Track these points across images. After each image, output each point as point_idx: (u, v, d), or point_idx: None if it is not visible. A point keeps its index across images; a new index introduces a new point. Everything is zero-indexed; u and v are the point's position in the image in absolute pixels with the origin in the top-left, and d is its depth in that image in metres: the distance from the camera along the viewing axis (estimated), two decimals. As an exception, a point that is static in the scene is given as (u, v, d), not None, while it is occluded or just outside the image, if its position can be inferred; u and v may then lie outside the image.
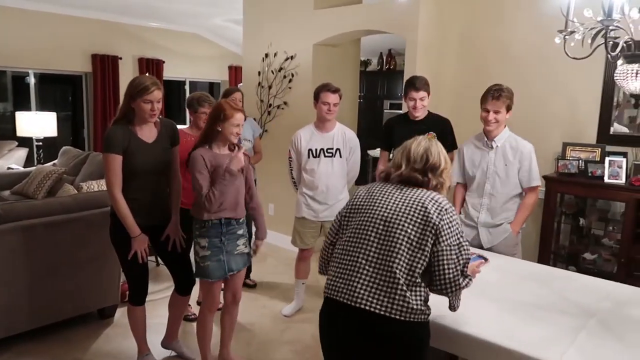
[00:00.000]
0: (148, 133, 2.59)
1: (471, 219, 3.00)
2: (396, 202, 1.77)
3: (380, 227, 1.74)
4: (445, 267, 1.70)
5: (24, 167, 6.24)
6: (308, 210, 3.51)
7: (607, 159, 3.30)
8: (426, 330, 1.75)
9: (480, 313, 2.02)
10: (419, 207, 1.73)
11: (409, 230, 1.70)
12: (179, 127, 3.31)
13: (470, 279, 1.81)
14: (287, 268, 4.33)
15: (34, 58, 6.55)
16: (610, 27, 1.87)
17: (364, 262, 1.73)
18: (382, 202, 1.80)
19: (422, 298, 1.71)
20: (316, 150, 3.42)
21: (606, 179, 3.27)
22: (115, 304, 3.48)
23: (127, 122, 2.53)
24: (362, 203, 1.85)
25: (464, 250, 1.77)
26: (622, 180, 3.23)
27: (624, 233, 3.22)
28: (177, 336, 3.04)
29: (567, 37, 2.02)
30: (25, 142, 6.69)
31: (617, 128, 3.55)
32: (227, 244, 2.62)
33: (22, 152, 6.81)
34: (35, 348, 3.05)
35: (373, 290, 1.69)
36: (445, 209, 1.74)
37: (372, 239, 1.75)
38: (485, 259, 2.10)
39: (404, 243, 1.70)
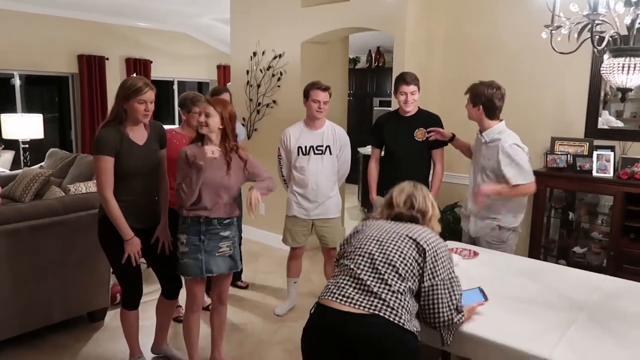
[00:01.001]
0: (139, 135, 2.57)
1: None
2: (390, 228, 1.83)
3: (374, 245, 1.78)
4: (438, 303, 1.73)
5: (11, 170, 6.16)
6: (299, 209, 3.50)
7: (595, 153, 3.32)
8: (416, 344, 1.71)
9: (472, 309, 2.02)
10: (410, 237, 1.77)
11: (402, 248, 1.74)
12: (169, 127, 3.30)
13: (463, 316, 1.81)
14: (279, 267, 4.31)
15: (18, 59, 6.47)
16: (596, 22, 1.88)
17: (358, 273, 1.73)
18: (377, 226, 1.86)
19: (411, 309, 1.71)
20: (306, 147, 3.41)
21: (594, 173, 3.29)
22: (105, 307, 3.44)
23: (118, 124, 2.50)
24: (359, 228, 1.92)
25: (456, 284, 1.80)
26: (610, 174, 3.25)
27: (613, 226, 3.24)
28: (166, 340, 3.02)
29: (553, 31, 2.03)
30: (11, 144, 6.60)
31: (606, 121, 3.57)
32: (206, 243, 2.57)
33: (9, 155, 6.72)
34: (25, 353, 3.01)
35: (364, 294, 1.69)
36: (435, 244, 1.77)
37: (366, 255, 1.77)
38: (486, 298, 2.05)
39: (397, 259, 1.72)
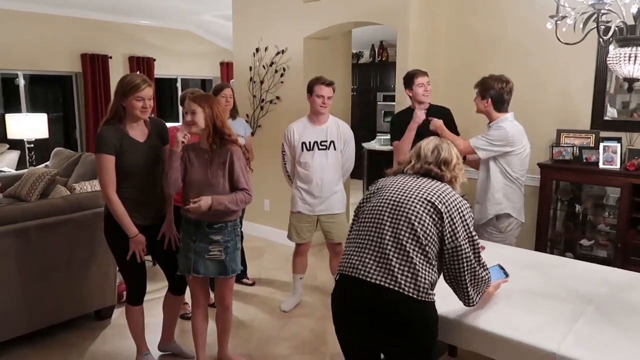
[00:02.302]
0: (139, 132, 2.57)
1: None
2: (407, 187, 1.81)
3: (391, 208, 1.77)
4: (462, 263, 1.72)
5: (16, 169, 6.19)
6: (304, 205, 3.49)
7: (601, 145, 3.29)
8: (433, 312, 1.74)
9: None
10: (428, 197, 1.75)
11: (420, 212, 1.72)
12: (173, 124, 3.30)
13: (488, 273, 1.83)
14: (284, 264, 4.31)
15: (22, 59, 6.48)
16: (602, 11, 1.85)
17: (376, 241, 1.75)
18: (394, 187, 1.85)
19: (430, 279, 1.71)
20: (310, 143, 3.40)
21: (601, 165, 3.26)
22: (112, 305, 3.46)
23: (118, 121, 2.51)
24: (374, 190, 1.91)
25: (477, 242, 1.79)
26: (617, 166, 3.23)
27: (620, 218, 3.22)
28: (173, 337, 3.03)
29: (558, 22, 2.00)
30: (16, 144, 6.63)
31: (610, 113, 3.54)
32: (197, 244, 2.57)
33: (14, 155, 6.75)
34: (33, 351, 3.02)
35: (385, 267, 1.70)
36: (452, 204, 1.75)
37: (384, 219, 1.76)
38: (507, 274, 2.13)
39: (415, 224, 1.71)
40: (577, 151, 3.42)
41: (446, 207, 1.73)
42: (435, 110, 3.37)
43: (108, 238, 2.62)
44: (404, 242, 1.70)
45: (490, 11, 3.96)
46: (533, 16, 3.63)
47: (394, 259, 1.70)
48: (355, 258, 1.77)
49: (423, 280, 1.68)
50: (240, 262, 2.76)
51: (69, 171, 5.17)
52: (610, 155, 3.25)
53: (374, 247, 1.75)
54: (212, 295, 3.30)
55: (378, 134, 7.86)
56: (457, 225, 1.73)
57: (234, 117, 3.83)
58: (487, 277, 1.82)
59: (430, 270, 1.71)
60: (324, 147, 3.41)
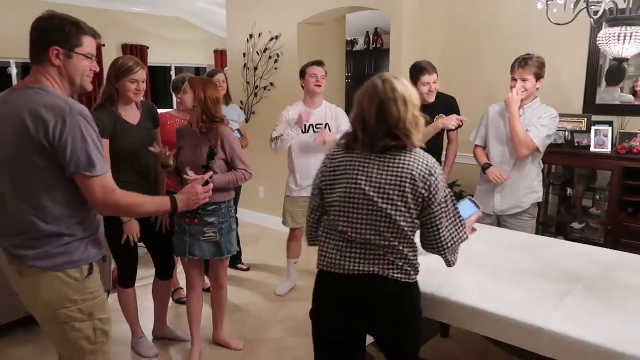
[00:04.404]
0: (132, 115, 2.58)
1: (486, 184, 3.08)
2: (378, 175, 1.64)
3: (366, 202, 1.64)
4: (441, 228, 1.66)
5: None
6: (298, 189, 3.50)
7: (593, 129, 3.32)
8: (417, 291, 1.75)
9: (469, 281, 2.04)
10: (402, 179, 1.62)
11: (396, 202, 1.62)
12: (166, 110, 3.30)
13: (466, 230, 1.76)
14: (279, 249, 4.34)
15: (14, 47, 6.39)
16: (592, -9, 1.86)
17: (355, 237, 1.67)
18: (363, 174, 1.66)
19: (415, 262, 1.70)
20: (306, 126, 3.40)
21: (592, 149, 3.29)
22: (107, 290, 3.46)
23: (110, 105, 2.51)
24: (334, 175, 1.72)
25: (453, 201, 1.69)
26: (608, 149, 3.25)
27: (610, 201, 3.25)
28: (166, 323, 3.05)
29: (549, 2, 2.01)
30: (10, 133, 6.58)
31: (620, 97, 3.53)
32: (192, 226, 2.59)
33: (8, 143, 6.71)
34: (26, 337, 3.04)
35: (367, 257, 1.66)
36: (430, 172, 1.62)
37: (361, 217, 1.65)
38: (478, 207, 2.09)
39: (396, 217, 1.62)
40: (569, 135, 3.44)
41: (425, 185, 1.61)
42: (441, 101, 3.33)
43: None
44: (386, 234, 1.64)
45: (483, -4, 3.96)
46: (526, 1, 3.63)
47: (377, 250, 1.65)
48: (337, 254, 1.70)
49: (409, 263, 1.68)
50: (236, 243, 2.78)
51: (63, 159, 5.16)
52: (601, 139, 3.28)
53: (353, 243, 1.68)
54: (206, 280, 3.33)
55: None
56: (433, 191, 1.62)
57: (227, 103, 3.83)
58: (465, 237, 1.75)
59: (414, 252, 1.69)
60: (320, 130, 3.41)
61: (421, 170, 1.62)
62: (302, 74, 3.37)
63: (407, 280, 1.68)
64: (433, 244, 1.70)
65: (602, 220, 3.45)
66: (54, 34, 1.62)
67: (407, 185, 1.62)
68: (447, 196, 1.68)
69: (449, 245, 1.70)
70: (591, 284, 2.03)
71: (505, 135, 2.95)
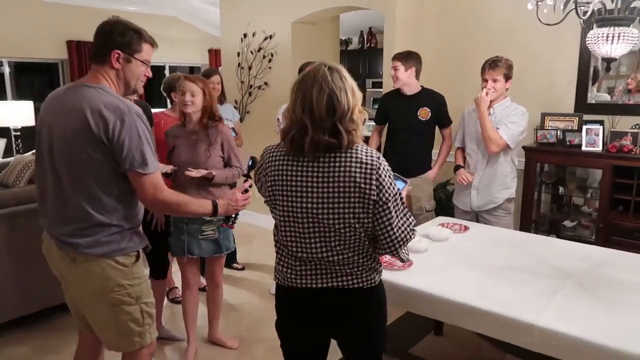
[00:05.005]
0: None
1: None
2: (321, 187, 1.49)
3: (311, 219, 1.52)
4: (394, 224, 1.51)
5: (3, 157, 6.14)
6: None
7: (584, 127, 3.35)
8: (381, 291, 1.67)
9: (461, 279, 2.06)
10: (348, 184, 1.47)
11: (344, 215, 1.49)
12: (160, 110, 3.31)
13: (414, 221, 1.63)
14: (274, 249, 4.35)
15: (7, 46, 6.38)
16: (581, -8, 1.89)
17: (306, 254, 1.57)
18: (305, 188, 1.51)
19: (373, 265, 1.60)
20: None
21: (584, 147, 3.32)
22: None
23: None
24: (281, 185, 1.56)
25: (400, 198, 1.56)
26: (599, 148, 3.29)
27: (601, 199, 3.29)
28: (161, 323, 3.06)
29: (539, 2, 2.04)
30: (3, 132, 6.56)
31: (596, 97, 3.59)
32: (189, 225, 2.62)
33: (1, 143, 6.68)
34: (25, 335, 3.04)
35: (323, 272, 1.57)
36: (373, 169, 1.47)
37: (307, 231, 1.54)
38: (406, 182, 1.95)
39: (342, 229, 1.50)
40: (561, 134, 3.48)
41: (372, 187, 1.47)
42: (427, 96, 3.38)
43: None
44: (338, 249, 1.53)
45: (476, -4, 3.99)
46: (518, 0, 3.66)
47: (332, 265, 1.55)
48: (291, 272, 1.61)
49: (369, 268, 1.58)
50: (233, 240, 2.81)
51: (57, 159, 5.15)
52: (592, 138, 3.31)
53: (306, 261, 1.58)
54: (202, 279, 3.34)
55: (367, 121, 7.87)
56: (387, 193, 1.48)
57: (222, 103, 3.84)
58: (413, 228, 1.60)
59: (373, 257, 1.60)
60: None
61: (366, 172, 1.46)
62: (301, 72, 3.40)
63: (369, 286, 1.59)
64: (384, 246, 1.54)
65: (593, 218, 3.49)
66: (117, 38, 1.74)
67: (352, 193, 1.47)
68: (395, 190, 1.52)
69: (402, 243, 1.55)
70: (581, 280, 2.06)
71: (476, 133, 3.07)
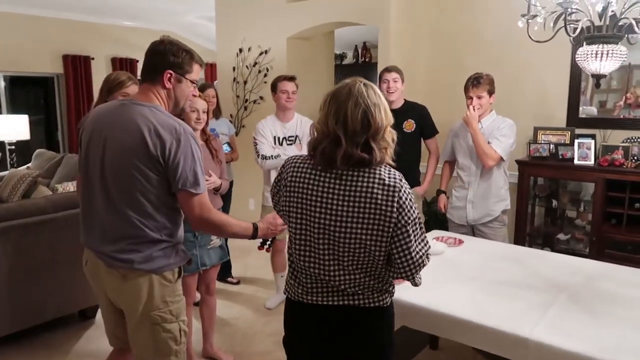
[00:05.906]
0: None
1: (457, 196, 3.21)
2: (339, 203, 1.47)
3: (326, 236, 1.50)
4: (412, 249, 1.49)
5: (-3, 172, 6.11)
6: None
7: (576, 141, 3.39)
8: (392, 313, 1.67)
9: (456, 293, 2.07)
10: (368, 205, 1.45)
11: (359, 235, 1.47)
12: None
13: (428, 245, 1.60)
14: (269, 262, 4.33)
15: (2, 60, 6.40)
16: (570, 10, 1.93)
17: (318, 272, 1.55)
18: (322, 201, 1.49)
19: (384, 287, 1.59)
20: (279, 138, 3.46)
21: (576, 161, 3.36)
22: (96, 305, 3.44)
23: None
24: (292, 196, 1.56)
25: (420, 223, 1.55)
26: (591, 161, 3.32)
27: (594, 212, 3.32)
28: None
29: (529, 20, 2.08)
30: (-3, 146, 6.53)
31: (587, 111, 3.65)
32: (200, 238, 2.65)
33: (-5, 157, 6.66)
34: (17, 352, 3.01)
35: (335, 291, 1.56)
36: (395, 191, 1.45)
37: (321, 249, 1.52)
38: None
39: (355, 247, 1.49)
40: (553, 148, 3.51)
41: (394, 209, 1.45)
42: (411, 108, 3.42)
43: None
44: (352, 268, 1.52)
45: (469, 11, 4.05)
46: (510, 16, 3.69)
47: (342, 281, 1.53)
48: (302, 290, 1.60)
49: (381, 290, 1.58)
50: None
51: (51, 173, 5.13)
52: (584, 152, 3.35)
53: (317, 279, 1.57)
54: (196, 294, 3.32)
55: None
56: (408, 216, 1.47)
57: (217, 117, 3.86)
58: (428, 251, 1.59)
59: (382, 279, 1.58)
60: (291, 142, 3.49)
61: (388, 193, 1.45)
62: (273, 88, 3.44)
63: (380, 305, 1.58)
64: (400, 270, 1.52)
65: (586, 231, 3.52)
66: (171, 59, 1.76)
67: (372, 213, 1.45)
68: (415, 214, 1.50)
69: (419, 268, 1.53)
70: (575, 294, 2.07)
71: (468, 148, 3.10)
